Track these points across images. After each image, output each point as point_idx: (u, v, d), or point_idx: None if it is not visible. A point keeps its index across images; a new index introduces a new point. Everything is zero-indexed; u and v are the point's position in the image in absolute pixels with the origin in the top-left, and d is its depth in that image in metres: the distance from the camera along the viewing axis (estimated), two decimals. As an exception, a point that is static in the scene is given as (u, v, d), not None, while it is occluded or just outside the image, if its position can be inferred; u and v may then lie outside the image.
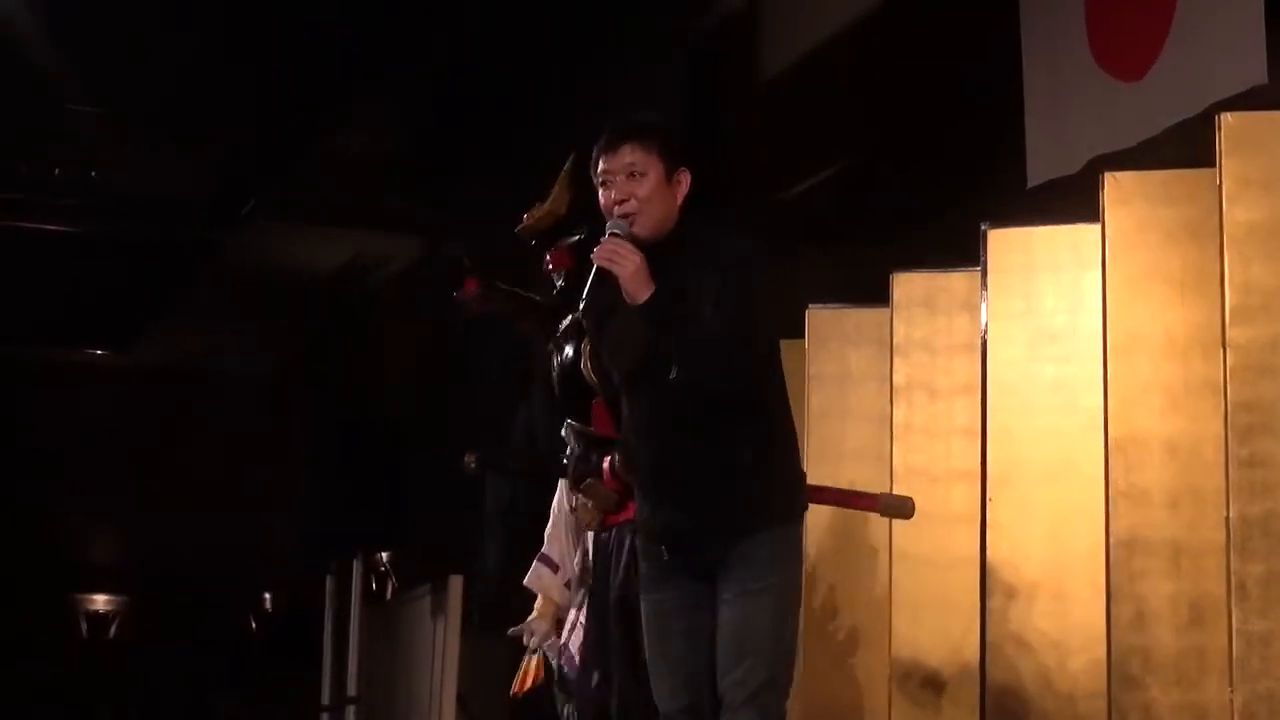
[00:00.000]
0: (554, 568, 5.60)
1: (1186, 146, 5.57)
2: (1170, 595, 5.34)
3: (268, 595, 15.24)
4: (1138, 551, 5.38)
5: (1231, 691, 4.92)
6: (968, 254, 6.18)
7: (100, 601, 15.70)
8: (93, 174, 11.11)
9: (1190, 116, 5.59)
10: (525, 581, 5.66)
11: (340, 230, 12.34)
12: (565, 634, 5.51)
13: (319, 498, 14.33)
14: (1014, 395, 6.00)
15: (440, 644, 8.68)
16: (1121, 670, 5.34)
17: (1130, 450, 5.43)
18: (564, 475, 5.35)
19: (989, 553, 5.92)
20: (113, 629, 15.66)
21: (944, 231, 6.64)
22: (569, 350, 5.34)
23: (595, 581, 5.23)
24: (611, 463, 5.05)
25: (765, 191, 8.23)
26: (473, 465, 5.88)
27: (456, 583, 8.66)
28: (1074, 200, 5.98)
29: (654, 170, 4.17)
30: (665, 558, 4.24)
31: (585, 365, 5.15)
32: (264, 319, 14.00)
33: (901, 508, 5.43)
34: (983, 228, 6.07)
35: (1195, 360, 5.38)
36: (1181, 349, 5.43)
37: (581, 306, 4.24)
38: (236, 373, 15.11)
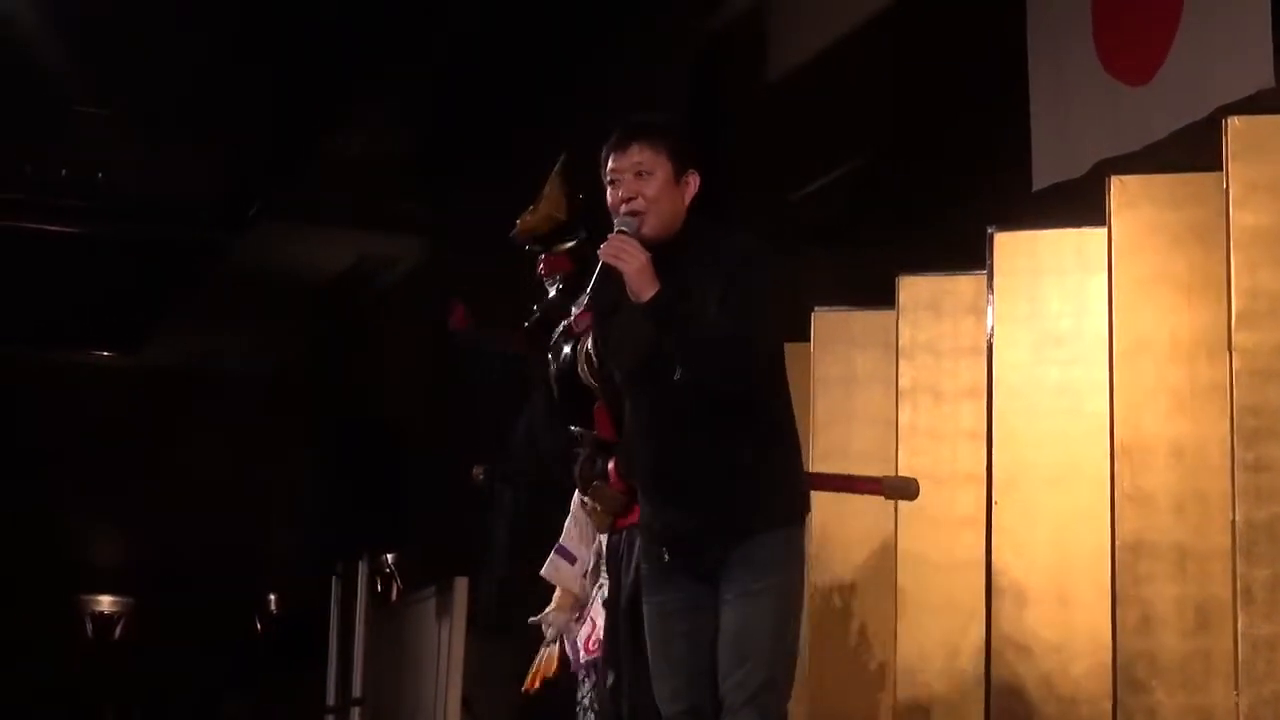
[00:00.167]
0: (571, 559, 5.58)
1: (1191, 150, 5.57)
2: (1176, 599, 5.34)
3: (273, 596, 15.24)
4: (1143, 555, 5.37)
5: (1237, 695, 4.92)
6: (973, 257, 6.18)
7: (105, 603, 15.71)
8: (99, 175, 11.12)
9: (1196, 120, 5.59)
10: (543, 573, 5.64)
11: (344, 232, 12.34)
12: (578, 626, 5.50)
13: (324, 499, 14.32)
14: (1020, 399, 5.99)
15: (445, 645, 8.68)
16: (1127, 674, 5.33)
17: (1136, 454, 5.42)
18: (573, 479, 5.34)
19: (994, 556, 5.91)
20: (118, 630, 15.66)
21: (949, 234, 6.63)
22: (566, 353, 5.31)
23: (609, 584, 5.22)
24: (616, 464, 5.05)
25: (770, 193, 8.23)
26: (481, 477, 5.87)
27: (461, 584, 8.67)
28: (1078, 203, 5.98)
29: (662, 170, 4.18)
30: (665, 558, 4.24)
31: (583, 369, 5.13)
32: (269, 320, 14.01)
33: (905, 489, 5.37)
34: (989, 231, 6.06)
35: (1201, 364, 5.37)
36: (1187, 353, 5.43)
37: (585, 302, 4.24)
38: (242, 373, 15.12)
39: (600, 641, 5.29)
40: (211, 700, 14.81)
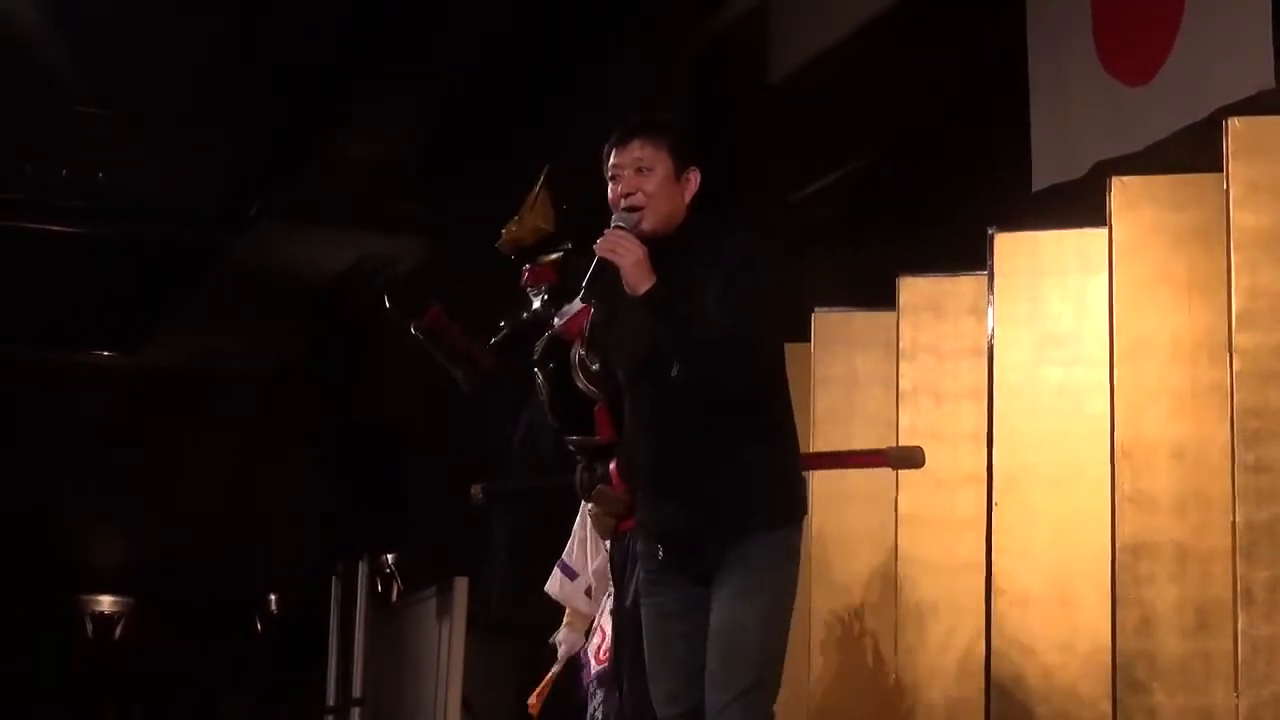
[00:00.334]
0: (572, 575, 5.56)
1: (1191, 151, 5.57)
2: (1176, 600, 5.34)
3: (273, 597, 15.24)
4: (1143, 556, 5.38)
5: (1237, 696, 4.92)
6: (974, 258, 6.18)
7: (106, 603, 15.70)
8: (100, 175, 11.12)
9: (1196, 121, 5.59)
10: (546, 588, 5.64)
11: (345, 232, 12.34)
12: (589, 638, 5.48)
13: (324, 499, 14.31)
14: (1020, 400, 5.99)
15: (445, 646, 8.68)
16: (1127, 675, 5.33)
17: (1136, 455, 5.43)
18: (575, 491, 5.31)
19: (994, 557, 5.91)
20: (118, 630, 15.65)
21: (950, 235, 6.64)
22: (553, 366, 5.25)
23: (614, 592, 5.20)
24: (618, 466, 5.04)
25: (771, 195, 8.23)
26: (480, 497, 5.86)
27: (462, 585, 8.67)
28: (1078, 204, 5.98)
29: (662, 166, 4.19)
30: (660, 555, 4.24)
31: (578, 375, 5.10)
32: (269, 320, 14.01)
33: (911, 457, 5.32)
34: (989, 232, 6.07)
35: (1202, 365, 5.38)
36: (1188, 354, 5.43)
37: (580, 296, 4.24)
38: (242, 373, 15.12)
39: (610, 650, 5.29)
40: (212, 700, 14.81)
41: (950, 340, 6.43)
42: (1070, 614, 5.82)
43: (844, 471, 6.53)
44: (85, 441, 14.84)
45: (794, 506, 4.26)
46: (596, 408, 5.05)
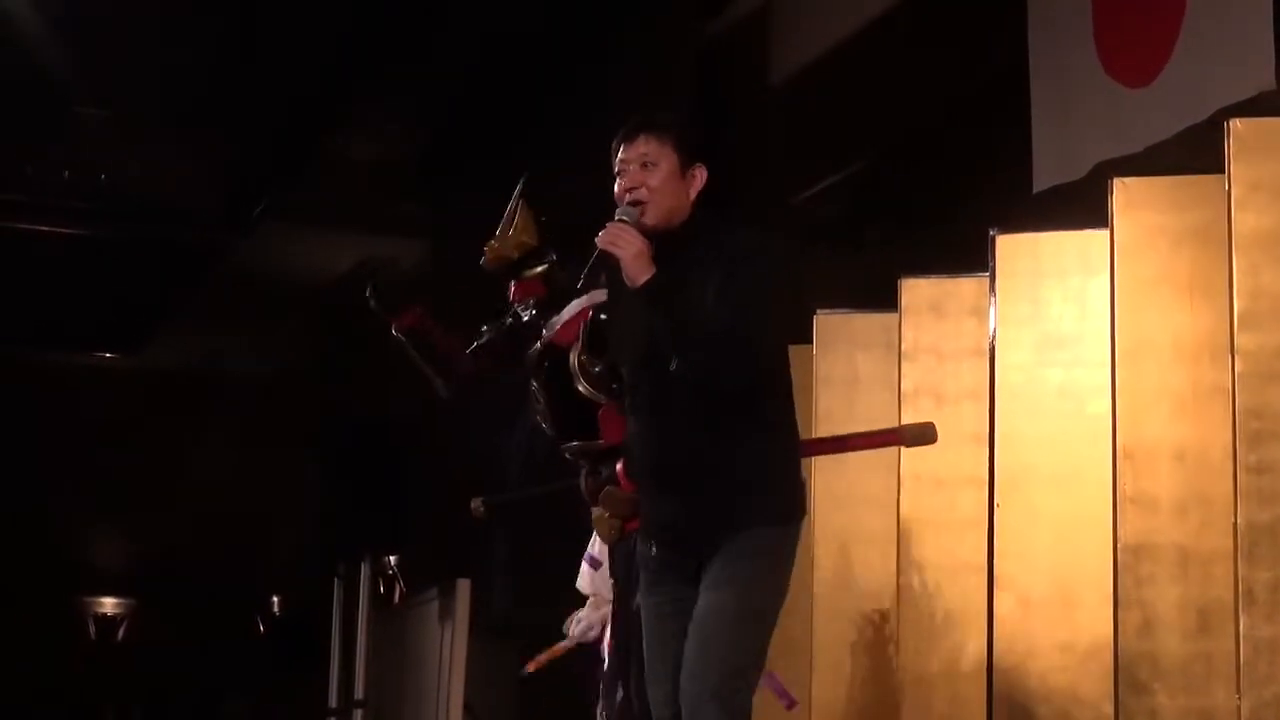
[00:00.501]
0: (596, 565, 5.56)
1: (1192, 152, 5.57)
2: (1178, 601, 5.34)
3: (275, 598, 15.26)
4: (1145, 557, 5.37)
5: (1239, 697, 4.92)
6: (975, 259, 6.18)
7: (108, 604, 15.72)
8: (101, 176, 11.12)
9: (1197, 122, 5.59)
10: (577, 584, 5.64)
11: (346, 233, 12.35)
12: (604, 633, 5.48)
13: (326, 500, 14.33)
14: (1022, 401, 5.99)
15: (447, 648, 8.68)
16: (1129, 676, 5.33)
17: (1138, 456, 5.42)
18: (578, 496, 5.29)
19: (996, 558, 5.91)
20: (121, 631, 15.67)
21: (951, 237, 6.64)
22: (550, 375, 5.21)
23: (616, 592, 5.18)
24: (624, 465, 5.02)
25: (772, 196, 8.23)
26: (480, 510, 5.85)
27: (464, 586, 8.66)
28: (1078, 206, 5.98)
29: (666, 162, 4.21)
30: (653, 551, 4.24)
31: (579, 381, 5.07)
32: (271, 320, 14.01)
33: (924, 434, 5.25)
34: (991, 233, 6.07)
35: (1204, 366, 5.37)
36: (1190, 355, 5.43)
37: (579, 285, 4.25)
38: (244, 374, 15.12)
39: (611, 651, 5.28)
40: (212, 701, 14.82)
41: (951, 341, 6.42)
42: (1072, 615, 5.82)
43: (845, 472, 6.53)
44: (87, 442, 14.84)
45: (789, 507, 4.23)
46: (600, 411, 5.04)
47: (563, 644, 5.78)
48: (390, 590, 10.80)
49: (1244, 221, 5.04)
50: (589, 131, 4.50)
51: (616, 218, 4.17)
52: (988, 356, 6.08)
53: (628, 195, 4.20)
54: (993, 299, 6.07)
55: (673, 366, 4.08)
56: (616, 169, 4.26)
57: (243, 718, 14.62)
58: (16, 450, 14.53)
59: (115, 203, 11.50)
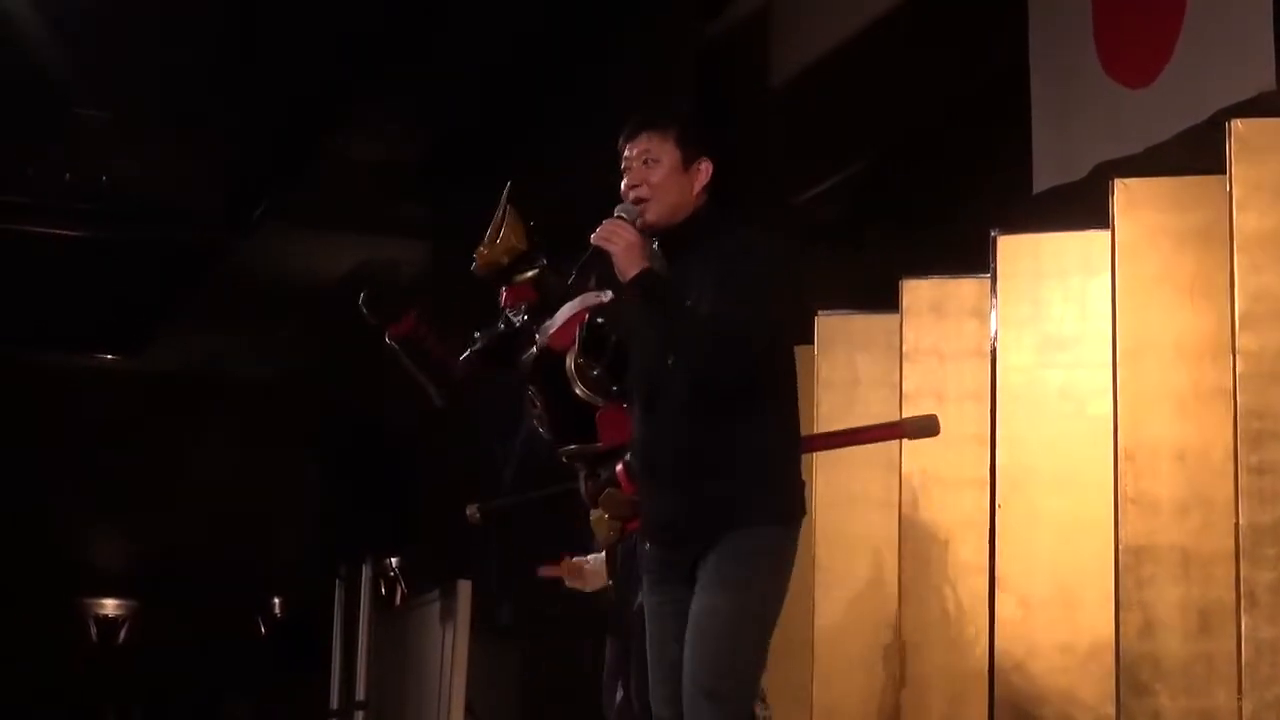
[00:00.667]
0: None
1: (1192, 153, 5.57)
2: (1179, 602, 5.33)
3: (277, 600, 15.26)
4: (1146, 559, 5.37)
5: (1240, 699, 4.91)
6: (976, 260, 6.18)
7: (110, 606, 15.73)
8: (102, 178, 11.12)
9: (1197, 123, 5.58)
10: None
11: (348, 234, 12.34)
12: None
13: (328, 501, 14.33)
14: (1023, 402, 5.99)
15: (449, 649, 8.67)
16: (1130, 677, 5.33)
17: (1139, 457, 5.42)
18: (578, 499, 5.28)
19: (998, 559, 5.90)
20: (122, 633, 15.68)
21: (952, 237, 6.64)
22: (546, 379, 5.19)
23: (615, 593, 5.16)
24: (625, 466, 5.01)
25: (773, 197, 8.23)
26: (476, 517, 5.84)
27: (465, 588, 8.65)
28: (1078, 206, 5.98)
29: (668, 158, 4.21)
30: (648, 548, 4.23)
31: (577, 385, 5.06)
32: (272, 322, 14.02)
33: (927, 426, 5.23)
34: (992, 234, 6.06)
35: (1205, 367, 5.37)
36: (1191, 356, 5.42)
37: (570, 282, 4.25)
38: (245, 375, 15.13)
39: (612, 651, 5.27)
40: (213, 702, 14.82)
41: (952, 342, 6.42)
42: (1073, 616, 5.82)
43: (846, 472, 6.53)
44: (88, 443, 14.85)
45: (786, 507, 4.19)
46: (599, 414, 5.03)
47: (568, 579, 5.72)
48: (391, 591, 10.79)
49: (1245, 222, 5.03)
50: (589, 131, 4.50)
51: (615, 214, 4.18)
52: (989, 357, 6.08)
53: (631, 192, 4.21)
54: (994, 300, 6.07)
55: (669, 362, 4.08)
56: (622, 166, 4.27)
57: (243, 718, 14.62)
58: (17, 450, 14.54)
59: (115, 203, 11.50)
